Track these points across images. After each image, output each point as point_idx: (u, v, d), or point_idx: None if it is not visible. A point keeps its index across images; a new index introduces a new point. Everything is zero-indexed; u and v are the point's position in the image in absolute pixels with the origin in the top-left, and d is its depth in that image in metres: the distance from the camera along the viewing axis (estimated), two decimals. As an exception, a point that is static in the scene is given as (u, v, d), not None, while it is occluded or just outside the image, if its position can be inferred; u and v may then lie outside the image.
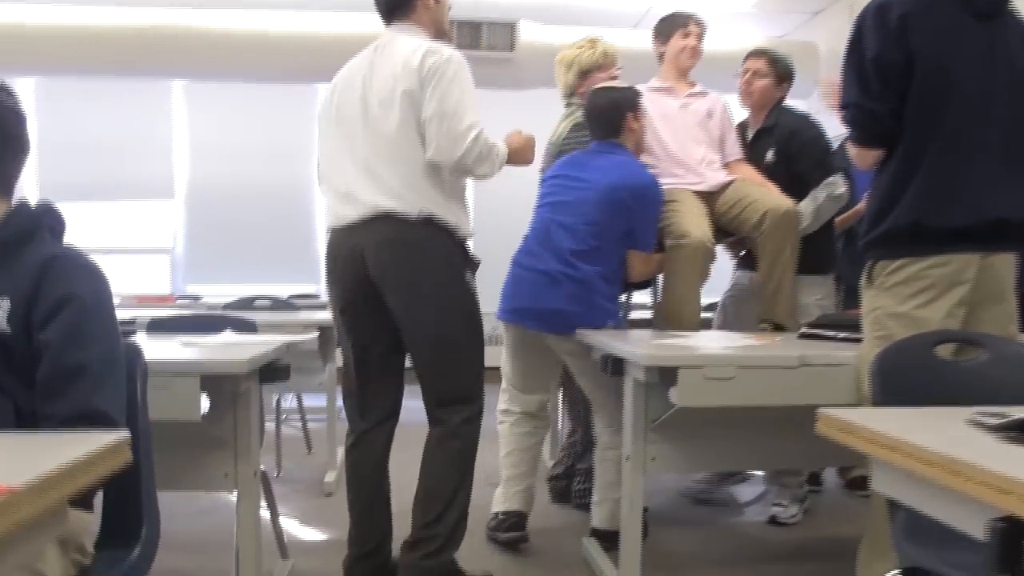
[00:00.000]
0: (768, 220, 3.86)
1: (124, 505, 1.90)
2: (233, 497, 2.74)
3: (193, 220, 9.21)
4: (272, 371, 2.82)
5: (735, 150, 4.31)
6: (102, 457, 1.29)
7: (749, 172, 4.21)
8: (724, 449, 3.06)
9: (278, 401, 5.31)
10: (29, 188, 8.81)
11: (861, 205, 4.58)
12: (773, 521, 4.17)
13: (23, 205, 1.80)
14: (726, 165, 4.25)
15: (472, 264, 3.13)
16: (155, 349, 2.75)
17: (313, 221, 9.37)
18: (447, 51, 2.99)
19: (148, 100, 8.96)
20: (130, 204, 9.01)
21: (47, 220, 1.82)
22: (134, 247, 8.99)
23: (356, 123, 3.03)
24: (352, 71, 3.14)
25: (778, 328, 3.91)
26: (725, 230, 4.08)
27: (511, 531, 3.76)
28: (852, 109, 2.66)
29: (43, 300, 1.68)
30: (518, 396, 3.89)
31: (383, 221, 2.95)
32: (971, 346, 2.39)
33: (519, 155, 3.22)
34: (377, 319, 3.06)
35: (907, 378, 2.22)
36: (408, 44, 3.01)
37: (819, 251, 4.13)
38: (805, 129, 4.17)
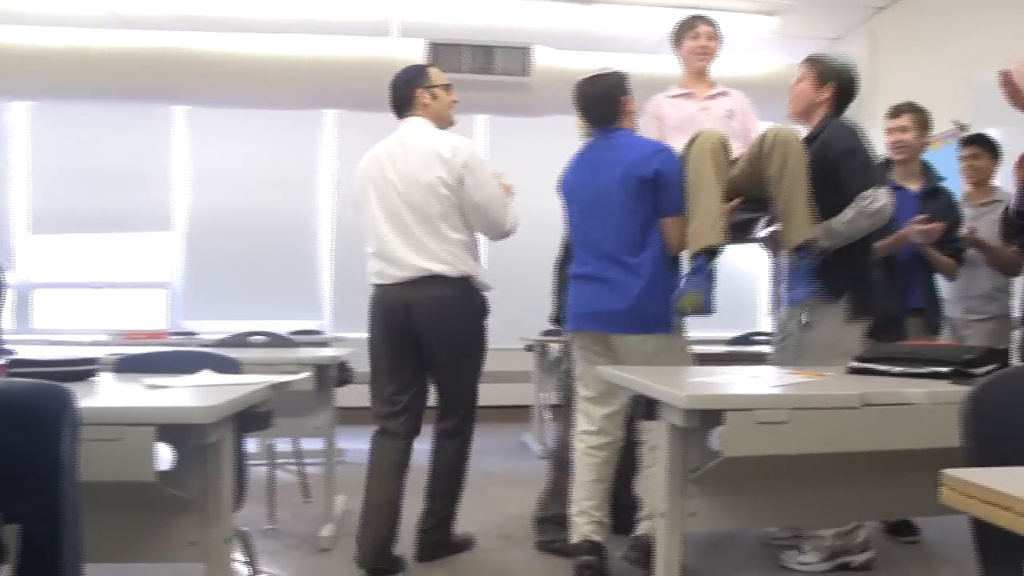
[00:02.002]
0: (765, 140, 3.66)
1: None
2: (201, 568, 2.35)
3: (193, 253, 8.93)
4: (250, 418, 2.47)
5: None
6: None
7: None
8: (774, 503, 2.69)
9: (272, 444, 4.95)
10: (20, 219, 8.59)
11: (906, 231, 4.33)
12: (781, 565, 3.96)
13: None
14: None
15: (488, 312, 4.06)
16: (111, 392, 2.44)
17: (317, 254, 9.10)
18: (467, 146, 3.91)
19: (148, 127, 8.72)
20: (127, 236, 8.71)
21: None
22: (130, 281, 8.69)
23: (396, 200, 3.90)
24: (385, 151, 4.00)
25: (800, 247, 3.68)
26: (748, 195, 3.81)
27: (585, 555, 3.70)
28: None
29: None
30: (591, 409, 3.81)
31: (430, 281, 3.83)
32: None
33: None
34: (413, 359, 3.98)
35: (1008, 421, 1.88)
36: (430, 136, 3.93)
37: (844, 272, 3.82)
38: (847, 138, 3.86)
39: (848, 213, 3.72)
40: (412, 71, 4.12)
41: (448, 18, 7.76)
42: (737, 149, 3.98)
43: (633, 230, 3.59)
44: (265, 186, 8.93)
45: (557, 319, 4.48)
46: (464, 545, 4.23)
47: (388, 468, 3.96)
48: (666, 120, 4.16)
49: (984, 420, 1.85)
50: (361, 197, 4.05)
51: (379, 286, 4.02)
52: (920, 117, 4.68)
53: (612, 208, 3.62)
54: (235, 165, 8.89)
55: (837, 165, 3.79)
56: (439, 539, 4.07)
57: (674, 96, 4.36)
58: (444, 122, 4.07)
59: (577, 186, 3.80)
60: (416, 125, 3.99)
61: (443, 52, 7.40)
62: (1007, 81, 2.60)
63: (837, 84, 3.95)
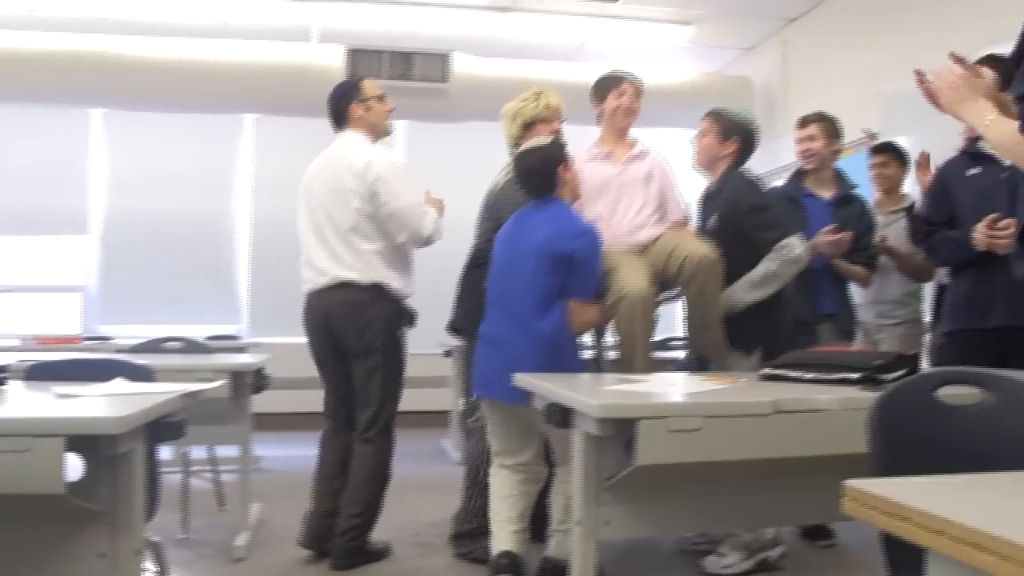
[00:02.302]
0: (686, 264, 3.80)
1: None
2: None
3: (109, 256, 8.81)
4: (163, 428, 2.42)
5: (676, 213, 4.30)
6: None
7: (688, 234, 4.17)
8: (689, 510, 2.69)
9: (187, 452, 4.86)
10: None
11: (815, 240, 4.43)
12: (704, 572, 3.96)
13: None
14: (672, 225, 4.22)
15: (408, 318, 4.27)
16: (20, 402, 2.38)
17: (235, 259, 9.04)
18: (381, 158, 4.11)
19: (64, 129, 8.58)
20: (40, 239, 8.49)
21: None
22: (43, 285, 8.33)
23: (319, 211, 4.14)
24: (316, 165, 4.25)
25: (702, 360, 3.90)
26: (664, 284, 4.00)
27: (503, 572, 3.61)
28: None
29: None
30: (507, 458, 3.75)
31: (344, 287, 4.06)
32: (975, 387, 2.06)
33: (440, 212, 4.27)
34: (341, 358, 4.18)
35: (911, 428, 1.91)
36: (351, 149, 4.13)
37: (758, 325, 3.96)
38: (751, 195, 4.06)
39: (771, 264, 3.85)
40: (345, 86, 4.33)
41: (368, 24, 7.74)
42: (652, 213, 4.15)
43: (541, 300, 3.52)
44: (183, 189, 8.84)
45: (456, 328, 4.46)
46: (381, 554, 4.22)
47: (328, 464, 4.25)
48: (585, 182, 4.01)
49: (889, 427, 1.89)
50: (299, 208, 4.28)
51: (307, 293, 4.22)
52: (828, 126, 4.76)
53: (525, 274, 3.56)
54: (153, 168, 8.78)
55: (747, 223, 3.94)
56: (355, 546, 4.07)
57: (593, 159, 4.22)
58: (380, 132, 4.29)
59: (503, 244, 3.76)
60: (345, 139, 4.20)
61: (362, 58, 7.38)
62: (922, 82, 2.67)
63: (740, 139, 4.14)
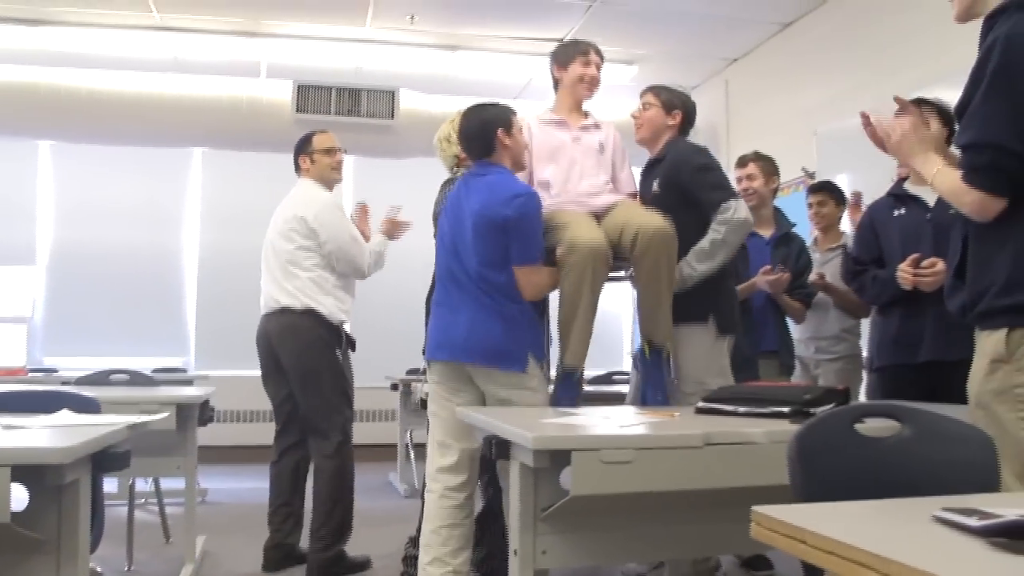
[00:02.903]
0: (639, 239, 3.60)
1: None
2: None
3: (55, 287, 8.79)
4: (108, 459, 2.45)
5: (628, 185, 4.14)
6: None
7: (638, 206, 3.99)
8: (624, 539, 2.74)
9: (132, 484, 4.83)
10: None
11: (757, 279, 4.51)
12: None
13: None
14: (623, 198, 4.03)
15: (348, 341, 4.67)
16: None
17: (183, 291, 9.04)
18: (322, 203, 4.57)
19: (12, 160, 8.57)
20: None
21: None
22: (-12, 316, 8.38)
23: (269, 247, 4.65)
24: (278, 208, 4.71)
25: (654, 348, 3.70)
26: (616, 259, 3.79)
27: None
28: (992, 151, 2.29)
29: None
30: (443, 451, 3.63)
31: (281, 312, 4.50)
32: (892, 420, 2.16)
33: (394, 236, 4.84)
34: (283, 380, 4.58)
35: (830, 459, 2.00)
36: (299, 195, 4.65)
37: (707, 293, 3.85)
38: (698, 156, 3.95)
39: (717, 233, 3.72)
40: (300, 139, 4.79)
41: (316, 61, 7.81)
42: (605, 184, 3.98)
43: (484, 269, 3.50)
44: (131, 221, 8.86)
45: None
46: (362, 565, 4.56)
47: (285, 479, 4.66)
48: (534, 146, 3.92)
49: (808, 458, 1.97)
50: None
51: (260, 317, 4.68)
52: (766, 164, 4.88)
53: (467, 243, 3.54)
54: (101, 200, 8.80)
55: (691, 182, 3.82)
56: (332, 557, 4.37)
57: (546, 123, 4.05)
58: (327, 180, 4.72)
59: (445, 218, 3.74)
60: (297, 185, 4.73)
61: (310, 94, 7.46)
62: (867, 124, 2.79)
63: (683, 111, 4.04)
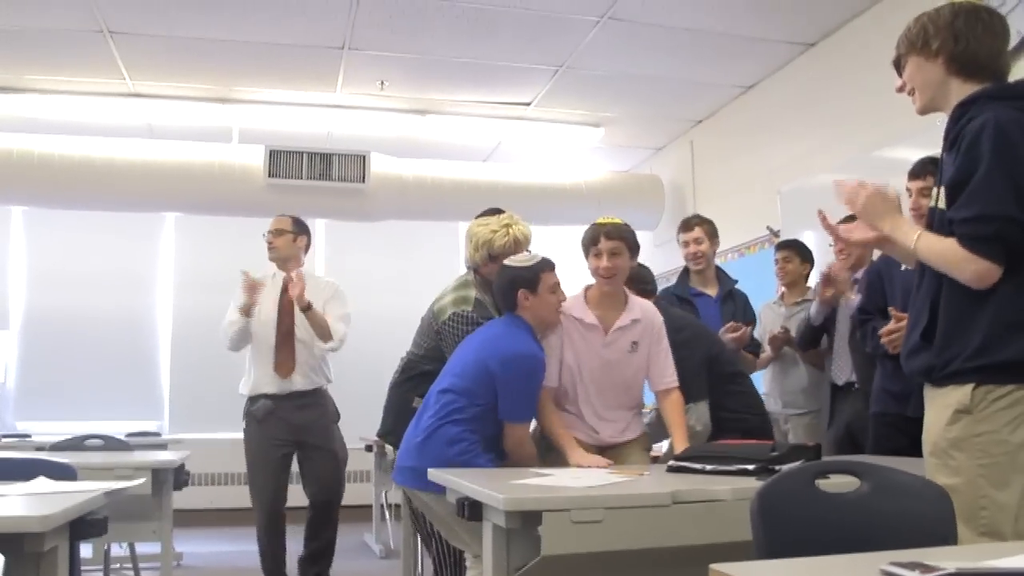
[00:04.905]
0: None
1: None
2: None
3: (28, 352, 8.80)
4: (85, 525, 2.49)
5: (667, 376, 3.93)
6: None
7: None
8: (594, 598, 2.81)
9: (107, 549, 4.81)
10: None
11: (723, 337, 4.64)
12: None
13: None
14: (661, 393, 3.94)
15: (248, 413, 5.19)
16: None
17: (157, 355, 9.04)
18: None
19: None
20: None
21: None
22: (-40, 382, 8.40)
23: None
24: None
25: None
26: None
27: None
28: (1002, 223, 2.34)
29: None
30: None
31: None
32: (852, 476, 2.23)
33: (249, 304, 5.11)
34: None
35: (792, 515, 2.06)
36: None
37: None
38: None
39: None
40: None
41: (288, 126, 7.90)
42: (622, 403, 3.94)
43: (465, 406, 3.51)
44: (104, 286, 8.90)
45: (384, 435, 4.37)
46: None
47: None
48: (567, 337, 3.84)
49: (770, 515, 2.03)
50: None
51: None
52: (710, 227, 5.08)
53: (459, 379, 3.58)
54: (74, 264, 8.85)
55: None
56: None
57: (583, 324, 3.84)
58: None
59: (463, 345, 3.78)
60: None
61: (282, 159, 7.52)
62: (840, 192, 2.89)
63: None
